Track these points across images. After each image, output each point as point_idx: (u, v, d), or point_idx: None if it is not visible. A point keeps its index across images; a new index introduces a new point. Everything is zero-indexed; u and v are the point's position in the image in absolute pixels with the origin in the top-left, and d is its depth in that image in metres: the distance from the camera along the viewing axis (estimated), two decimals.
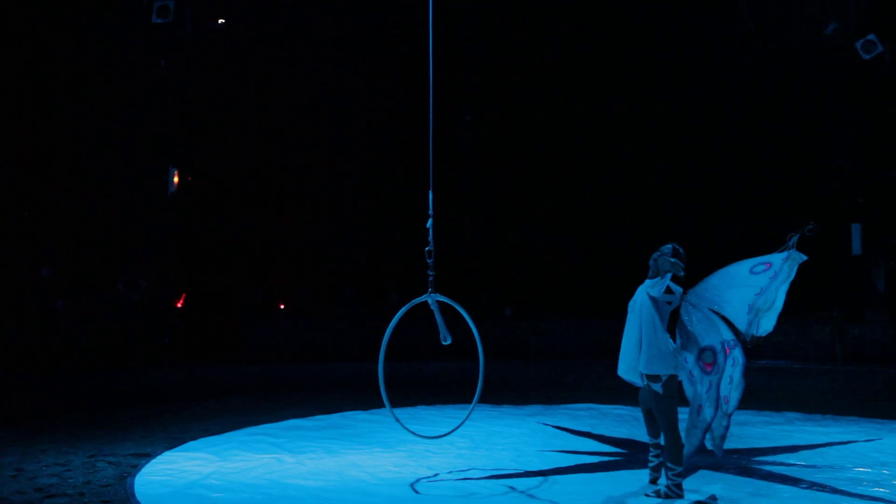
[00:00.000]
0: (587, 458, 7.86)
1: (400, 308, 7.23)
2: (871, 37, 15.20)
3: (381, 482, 6.90)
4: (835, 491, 6.62)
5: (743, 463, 7.61)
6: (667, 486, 6.31)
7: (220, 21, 16.81)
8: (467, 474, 7.18)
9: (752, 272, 6.32)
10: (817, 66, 16.50)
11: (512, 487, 6.77)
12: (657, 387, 6.27)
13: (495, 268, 18.26)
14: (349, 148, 18.49)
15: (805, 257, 6.38)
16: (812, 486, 6.77)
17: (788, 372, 13.91)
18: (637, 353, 6.35)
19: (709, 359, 6.12)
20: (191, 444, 8.41)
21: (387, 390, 6.93)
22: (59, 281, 16.21)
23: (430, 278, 7.13)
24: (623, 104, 18.04)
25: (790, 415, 10.39)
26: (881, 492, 6.61)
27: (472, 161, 18.89)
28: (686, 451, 6.31)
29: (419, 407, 10.72)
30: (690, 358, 6.17)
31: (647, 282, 6.45)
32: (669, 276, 6.38)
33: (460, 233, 17.87)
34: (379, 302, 17.82)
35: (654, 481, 6.63)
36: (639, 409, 10.52)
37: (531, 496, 6.49)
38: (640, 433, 8.98)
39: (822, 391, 12.82)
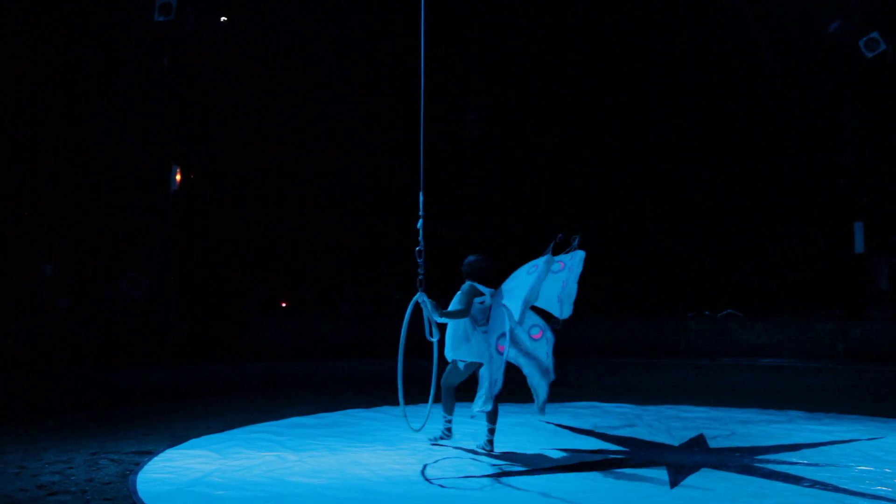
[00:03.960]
0: (589, 456, 7.85)
1: (404, 308, 7.72)
2: (874, 35, 15.18)
3: (383, 480, 6.90)
4: (837, 489, 6.61)
5: (745, 461, 7.60)
6: (443, 431, 8.20)
7: (222, 19, 16.82)
8: (469, 472, 7.18)
9: (528, 273, 7.61)
10: (820, 64, 16.48)
11: (512, 485, 6.77)
12: (461, 365, 7.92)
13: (497, 266, 18.25)
14: (353, 146, 18.50)
15: (583, 252, 7.69)
16: (814, 484, 6.77)
17: (791, 370, 13.90)
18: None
19: (501, 343, 7.43)
20: (193, 441, 8.41)
21: (403, 388, 7.67)
22: (62, 279, 16.24)
23: (420, 277, 7.61)
24: (626, 102, 18.03)
25: (792, 413, 10.38)
26: (883, 490, 6.60)
27: (475, 158, 18.90)
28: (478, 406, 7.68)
29: (417, 405, 10.73)
30: (492, 342, 7.49)
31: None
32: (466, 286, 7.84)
33: (463, 230, 17.88)
34: (381, 300, 17.83)
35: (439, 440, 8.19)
36: (641, 406, 10.58)
37: (532, 494, 6.49)
38: (643, 432, 9.00)
39: (824, 390, 12.81)
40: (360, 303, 18.03)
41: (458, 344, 7.83)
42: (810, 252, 17.14)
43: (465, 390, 8.20)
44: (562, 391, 12.35)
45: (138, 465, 7.32)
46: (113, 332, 15.64)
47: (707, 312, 16.44)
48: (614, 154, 18.30)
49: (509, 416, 9.92)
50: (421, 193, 7.68)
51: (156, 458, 7.61)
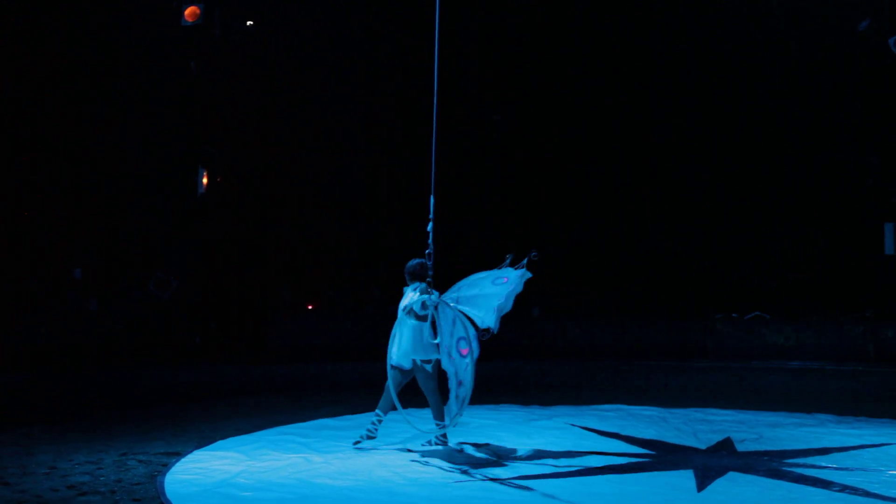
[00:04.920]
0: (615, 459, 7.81)
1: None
2: None
3: (408, 482, 6.92)
4: (867, 494, 6.52)
5: (774, 465, 7.53)
6: (437, 437, 8.12)
7: (248, 23, 16.92)
8: (494, 475, 7.17)
9: (493, 283, 7.87)
10: (850, 63, 16.31)
11: (538, 488, 6.75)
12: (429, 367, 7.98)
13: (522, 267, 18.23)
14: (379, 148, 18.56)
15: (530, 274, 7.86)
16: (844, 489, 6.69)
17: (820, 373, 13.76)
18: (411, 343, 7.98)
19: (464, 346, 7.72)
20: (220, 443, 8.46)
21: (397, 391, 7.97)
22: (91, 281, 16.43)
23: (429, 279, 7.81)
24: (652, 102, 17.94)
25: (822, 416, 10.25)
26: None
27: (500, 160, 18.88)
28: (454, 412, 7.90)
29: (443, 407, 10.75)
30: (452, 345, 7.75)
31: (417, 295, 8.00)
32: (424, 287, 7.99)
33: (487, 232, 17.88)
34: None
35: (362, 439, 8.13)
36: (667, 409, 10.52)
37: (558, 498, 6.47)
38: (669, 435, 8.94)
39: (854, 392, 12.66)
40: (384, 304, 18.05)
41: (419, 346, 7.96)
42: (839, 253, 16.95)
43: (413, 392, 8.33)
44: (587, 394, 12.34)
45: (166, 466, 7.38)
46: (141, 333, 15.80)
47: (735, 314, 16.32)
48: (641, 156, 18.20)
49: (537, 419, 9.91)
50: (432, 197, 7.77)
51: (183, 459, 7.67)
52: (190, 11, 15.23)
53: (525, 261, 7.86)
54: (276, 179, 18.38)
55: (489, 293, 7.84)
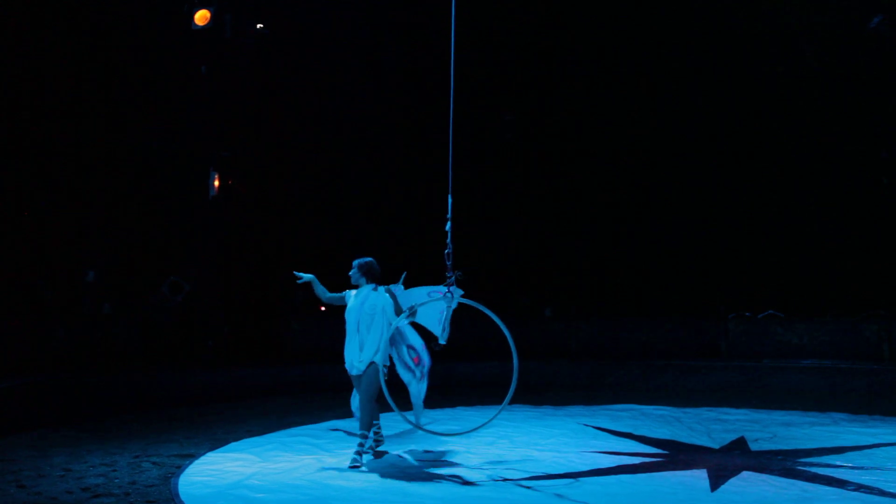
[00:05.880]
0: (628, 458, 7.80)
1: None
2: None
3: (420, 483, 6.93)
4: (882, 493, 6.49)
5: (788, 464, 7.50)
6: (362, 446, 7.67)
7: (259, 26, 16.96)
8: (507, 475, 7.17)
9: (429, 295, 7.93)
10: (864, 60, 16.23)
11: (551, 488, 6.74)
12: (385, 370, 7.77)
13: (536, 268, 18.23)
14: (391, 151, 18.58)
15: (461, 291, 7.72)
16: (859, 487, 6.65)
17: (834, 371, 13.68)
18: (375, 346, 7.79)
19: (413, 354, 7.93)
20: (233, 445, 8.51)
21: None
22: (104, 285, 16.51)
23: (450, 279, 7.68)
24: (665, 103, 17.89)
25: (836, 415, 10.22)
26: None
27: (513, 161, 18.87)
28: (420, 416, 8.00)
29: (458, 408, 10.77)
30: (403, 351, 7.91)
31: (387, 296, 7.98)
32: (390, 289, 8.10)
33: (500, 233, 17.88)
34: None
35: (371, 451, 7.88)
36: (680, 409, 10.49)
37: (570, 497, 6.47)
38: (683, 434, 8.92)
39: (868, 391, 12.60)
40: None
41: (386, 349, 7.87)
42: (854, 251, 16.86)
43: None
44: (600, 394, 12.32)
45: (180, 468, 7.42)
46: (155, 336, 15.86)
47: (748, 313, 16.25)
48: (654, 155, 18.15)
49: (547, 419, 9.91)
50: (450, 196, 7.75)
51: (197, 461, 7.71)
52: (200, 15, 15.28)
53: (452, 278, 7.68)
54: (288, 182, 18.41)
55: (432, 306, 7.83)
